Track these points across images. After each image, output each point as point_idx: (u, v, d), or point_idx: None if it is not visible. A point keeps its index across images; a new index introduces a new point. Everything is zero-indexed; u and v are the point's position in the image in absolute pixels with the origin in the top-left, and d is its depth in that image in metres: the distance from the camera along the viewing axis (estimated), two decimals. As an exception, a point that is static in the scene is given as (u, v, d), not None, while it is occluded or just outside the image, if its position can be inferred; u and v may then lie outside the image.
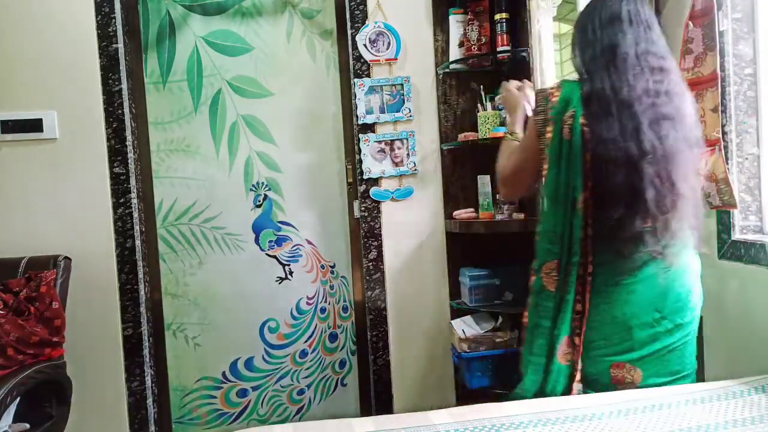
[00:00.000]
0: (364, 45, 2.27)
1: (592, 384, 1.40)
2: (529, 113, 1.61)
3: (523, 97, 1.69)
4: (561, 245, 1.38)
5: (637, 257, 1.34)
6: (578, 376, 1.38)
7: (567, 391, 1.39)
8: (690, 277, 1.42)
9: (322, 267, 2.46)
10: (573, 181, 1.35)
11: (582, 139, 1.33)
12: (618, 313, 1.37)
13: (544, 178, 1.40)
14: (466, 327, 2.23)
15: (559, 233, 1.38)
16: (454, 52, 2.26)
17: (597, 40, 1.39)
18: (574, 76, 1.45)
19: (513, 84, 1.75)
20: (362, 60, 2.29)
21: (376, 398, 2.37)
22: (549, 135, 1.38)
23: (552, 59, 2.18)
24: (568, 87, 1.39)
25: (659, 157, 1.30)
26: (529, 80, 2.02)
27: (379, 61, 2.29)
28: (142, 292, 2.25)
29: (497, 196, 2.22)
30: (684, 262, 1.40)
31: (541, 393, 1.42)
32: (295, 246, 2.44)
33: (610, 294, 1.37)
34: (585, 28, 1.43)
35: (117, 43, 2.20)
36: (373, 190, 2.32)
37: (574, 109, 1.35)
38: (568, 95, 1.37)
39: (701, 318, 1.81)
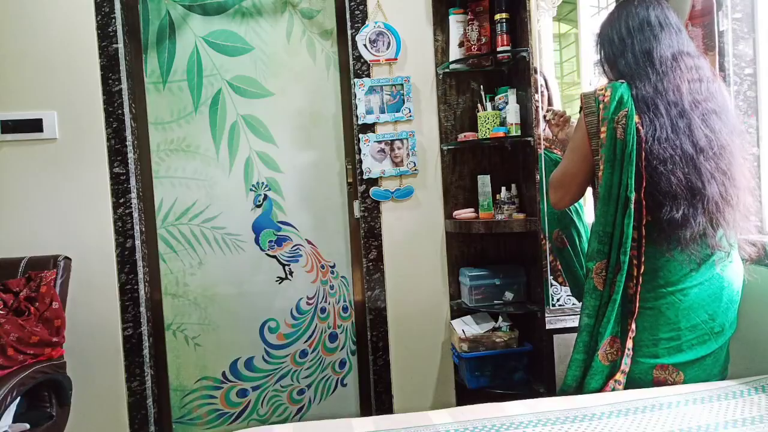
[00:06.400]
0: (364, 45, 2.28)
1: (634, 384, 1.40)
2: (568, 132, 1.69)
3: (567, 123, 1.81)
4: (611, 245, 1.39)
5: (693, 258, 1.35)
6: (620, 377, 1.38)
7: (600, 388, 1.40)
8: (740, 276, 1.43)
9: (322, 267, 2.46)
10: (627, 180, 1.35)
11: (637, 139, 1.34)
12: (671, 315, 1.37)
13: (599, 179, 1.40)
14: (466, 327, 2.23)
15: (609, 233, 1.39)
16: (454, 52, 2.26)
17: (629, 46, 1.41)
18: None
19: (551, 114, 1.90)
20: (362, 60, 2.29)
21: (376, 398, 2.37)
22: (603, 135, 1.39)
23: (552, 59, 2.18)
24: (618, 87, 1.39)
25: (716, 151, 1.31)
26: (529, 80, 2.03)
27: (379, 61, 2.29)
28: (142, 292, 2.25)
29: (497, 196, 2.22)
30: (737, 260, 1.42)
31: (579, 389, 1.43)
32: (295, 246, 2.44)
33: (665, 296, 1.37)
34: (613, 35, 1.45)
35: (117, 43, 2.20)
36: (373, 190, 2.32)
37: (627, 108, 1.36)
38: (620, 95, 1.38)
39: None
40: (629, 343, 1.38)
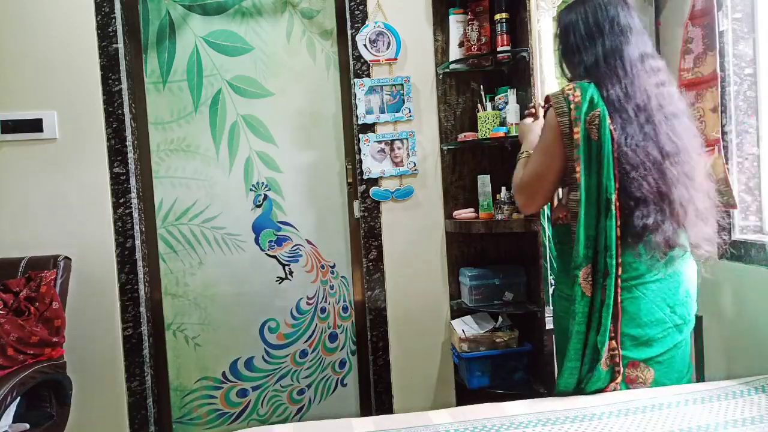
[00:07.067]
0: (364, 45, 2.28)
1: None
2: (534, 140, 1.61)
3: (537, 125, 1.70)
4: (595, 249, 1.38)
5: (662, 256, 1.35)
6: (620, 379, 1.38)
7: (602, 390, 1.40)
8: (695, 273, 1.45)
9: (322, 267, 2.46)
10: (606, 182, 1.34)
11: (611, 139, 1.33)
12: (633, 310, 1.38)
13: (578, 182, 1.37)
14: (466, 327, 2.23)
15: (593, 236, 1.37)
16: (454, 52, 2.26)
17: (598, 45, 1.39)
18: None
19: (527, 115, 1.81)
20: (362, 60, 2.29)
21: (376, 398, 2.37)
22: (576, 136, 1.37)
23: (552, 59, 2.18)
24: (587, 87, 1.38)
25: (680, 156, 1.32)
26: (529, 81, 2.03)
27: (379, 61, 2.29)
28: (142, 292, 2.25)
29: (497, 196, 2.22)
30: (693, 258, 1.43)
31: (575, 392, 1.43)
32: (295, 246, 2.44)
33: (632, 292, 1.38)
34: (576, 31, 1.44)
35: (117, 43, 2.20)
36: (373, 190, 2.32)
37: (599, 109, 1.35)
38: (590, 95, 1.36)
39: (701, 318, 1.82)
40: (617, 344, 1.37)
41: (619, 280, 1.36)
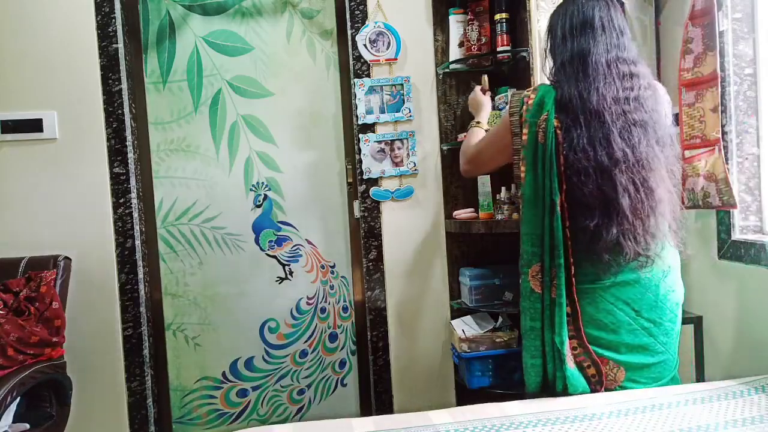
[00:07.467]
0: (364, 45, 2.28)
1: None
2: (487, 112, 1.96)
3: (488, 100, 2.00)
4: (542, 247, 1.39)
5: (613, 265, 1.35)
6: (593, 371, 1.38)
7: (592, 392, 1.39)
8: (670, 277, 1.42)
9: (322, 267, 2.46)
10: (551, 183, 1.35)
11: (555, 142, 1.35)
12: (595, 312, 1.38)
13: (522, 180, 1.41)
14: (466, 327, 2.23)
15: (539, 235, 1.39)
16: (454, 52, 2.26)
17: (568, 46, 1.40)
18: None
19: (478, 88, 2.03)
20: (362, 60, 2.29)
21: (376, 398, 2.37)
22: (524, 137, 1.40)
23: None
24: (543, 90, 1.41)
25: (632, 164, 1.31)
26: (529, 81, 2.03)
27: (379, 61, 2.29)
28: (142, 292, 2.25)
29: (497, 196, 2.22)
30: (665, 262, 1.41)
31: (546, 390, 1.42)
32: (295, 246, 2.44)
33: (591, 294, 1.38)
34: (556, 32, 1.45)
35: (117, 43, 2.20)
36: (373, 190, 2.32)
37: (548, 112, 1.37)
38: (542, 99, 1.39)
39: (701, 318, 1.82)
40: (584, 342, 1.37)
41: (573, 280, 1.36)
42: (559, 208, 1.35)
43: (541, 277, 1.40)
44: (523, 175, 1.41)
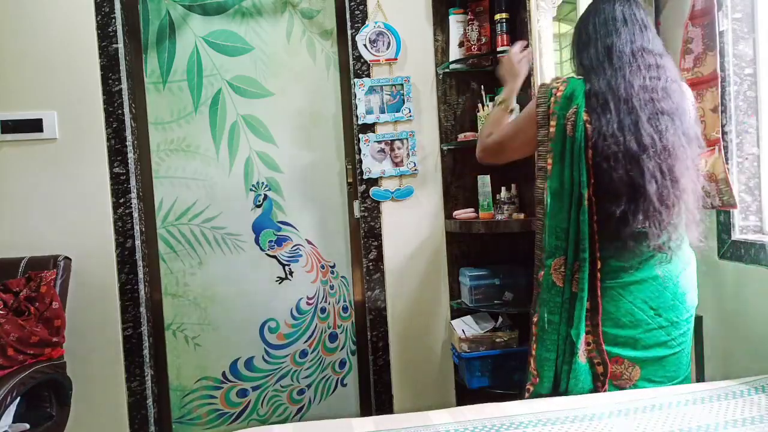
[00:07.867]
0: (364, 45, 2.27)
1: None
2: (519, 85, 1.70)
3: (526, 63, 1.72)
4: (567, 241, 1.39)
5: (637, 253, 1.35)
6: (602, 369, 1.38)
7: (594, 390, 1.39)
8: (686, 274, 1.43)
9: (322, 267, 2.46)
10: (579, 176, 1.35)
11: (585, 135, 1.35)
12: (616, 310, 1.38)
13: (548, 173, 1.41)
14: (466, 327, 2.23)
15: (564, 229, 1.39)
16: (454, 52, 2.26)
17: (593, 41, 1.42)
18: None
19: (517, 47, 1.74)
20: (362, 60, 2.29)
21: (376, 398, 2.37)
22: (552, 129, 1.40)
23: (552, 59, 2.18)
24: (573, 83, 1.41)
25: (659, 151, 1.31)
26: (529, 81, 2.02)
27: (379, 61, 2.29)
28: (142, 293, 2.25)
29: (497, 196, 2.22)
30: (682, 259, 1.42)
31: (557, 391, 1.42)
32: (295, 246, 2.44)
33: (612, 291, 1.38)
34: (582, 30, 1.47)
35: (117, 43, 2.20)
36: (373, 190, 2.32)
37: (577, 105, 1.37)
38: (572, 91, 1.39)
39: (701, 318, 1.81)
40: (600, 339, 1.37)
41: (599, 274, 1.36)
42: (586, 202, 1.35)
43: (564, 270, 1.39)
44: (549, 167, 1.40)
